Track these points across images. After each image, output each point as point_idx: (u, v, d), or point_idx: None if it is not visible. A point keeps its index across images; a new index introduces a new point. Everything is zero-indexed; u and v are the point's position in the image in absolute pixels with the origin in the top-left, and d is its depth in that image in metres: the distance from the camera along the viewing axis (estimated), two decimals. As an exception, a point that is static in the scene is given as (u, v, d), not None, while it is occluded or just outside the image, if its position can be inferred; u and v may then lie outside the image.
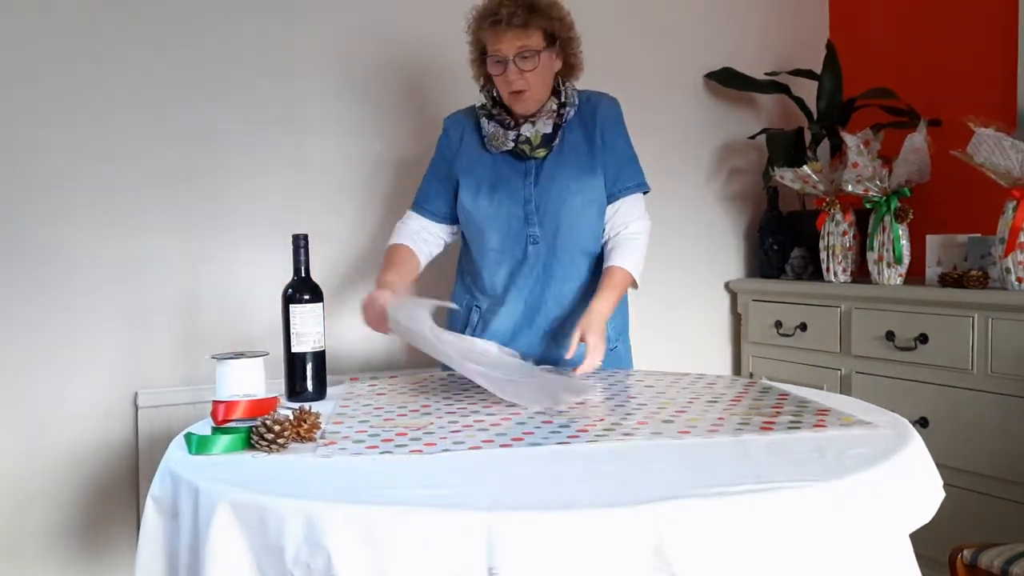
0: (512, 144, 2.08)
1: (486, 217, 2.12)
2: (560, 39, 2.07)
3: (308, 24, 2.62)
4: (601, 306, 2.00)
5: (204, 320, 2.51)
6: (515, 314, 2.14)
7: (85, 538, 2.41)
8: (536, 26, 2.01)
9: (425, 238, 2.19)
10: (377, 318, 1.88)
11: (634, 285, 2.14)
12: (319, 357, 1.79)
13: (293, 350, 1.78)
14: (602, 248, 2.16)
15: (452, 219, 2.20)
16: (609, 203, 2.14)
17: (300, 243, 1.81)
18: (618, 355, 2.23)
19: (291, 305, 1.77)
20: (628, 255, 2.11)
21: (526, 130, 2.08)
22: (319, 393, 1.79)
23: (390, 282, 2.01)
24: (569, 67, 2.14)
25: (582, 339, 1.93)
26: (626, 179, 2.15)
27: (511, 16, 1.98)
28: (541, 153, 2.09)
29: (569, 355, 1.94)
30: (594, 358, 1.90)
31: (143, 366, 2.45)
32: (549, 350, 2.13)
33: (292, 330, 1.77)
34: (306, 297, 1.78)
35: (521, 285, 2.13)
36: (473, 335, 2.16)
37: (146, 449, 2.41)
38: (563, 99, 2.11)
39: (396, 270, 2.09)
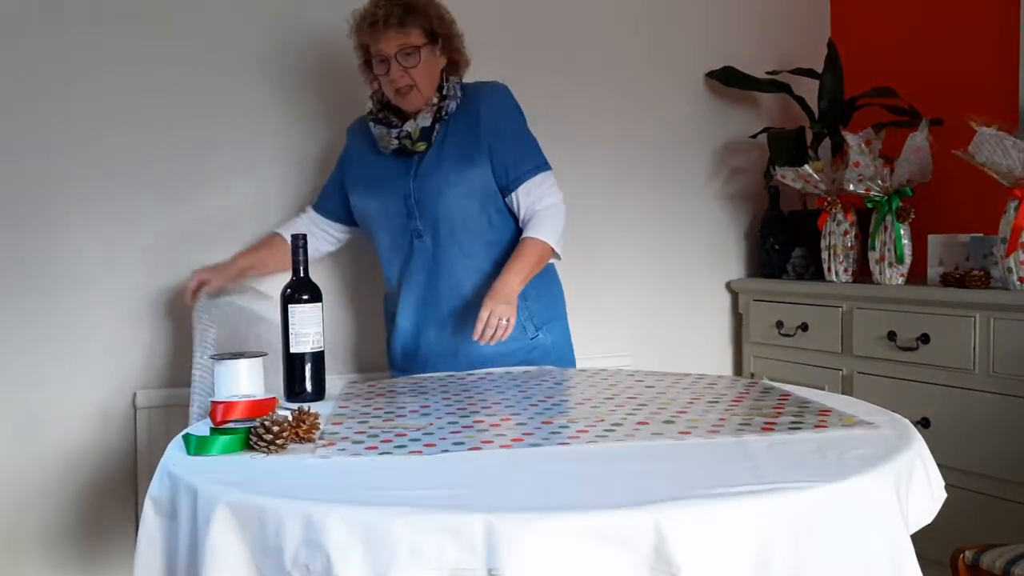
0: (396, 142, 2.13)
1: (373, 216, 2.21)
2: (441, 36, 2.12)
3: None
4: (505, 277, 2.03)
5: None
6: (413, 308, 2.19)
7: (84, 538, 2.40)
8: (414, 24, 2.07)
9: (313, 231, 2.31)
10: (189, 289, 2.19)
11: (556, 256, 2.17)
12: (318, 357, 1.79)
13: (292, 350, 1.77)
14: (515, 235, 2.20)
15: (345, 220, 2.33)
16: (512, 191, 2.16)
17: (299, 243, 1.81)
18: (542, 346, 2.19)
19: (290, 305, 1.77)
20: (539, 226, 2.13)
21: (408, 125, 2.13)
22: (318, 393, 1.79)
23: (231, 261, 2.30)
24: (453, 63, 2.18)
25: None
26: (523, 163, 2.16)
27: (388, 16, 2.05)
28: (422, 147, 2.13)
29: (474, 335, 1.96)
30: (480, 324, 1.94)
31: (142, 366, 2.45)
32: (453, 342, 2.15)
33: (291, 330, 1.77)
34: (305, 297, 1.78)
35: (413, 280, 2.18)
36: (392, 331, 2.25)
37: (145, 450, 2.41)
38: (444, 92, 2.15)
39: (249, 254, 2.34)
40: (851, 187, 2.70)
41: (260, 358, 1.63)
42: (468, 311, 2.12)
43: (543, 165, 2.19)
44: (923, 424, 2.50)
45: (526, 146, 2.20)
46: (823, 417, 1.49)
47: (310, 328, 1.77)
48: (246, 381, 1.59)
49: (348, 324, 2.68)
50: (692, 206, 3.18)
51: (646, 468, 1.23)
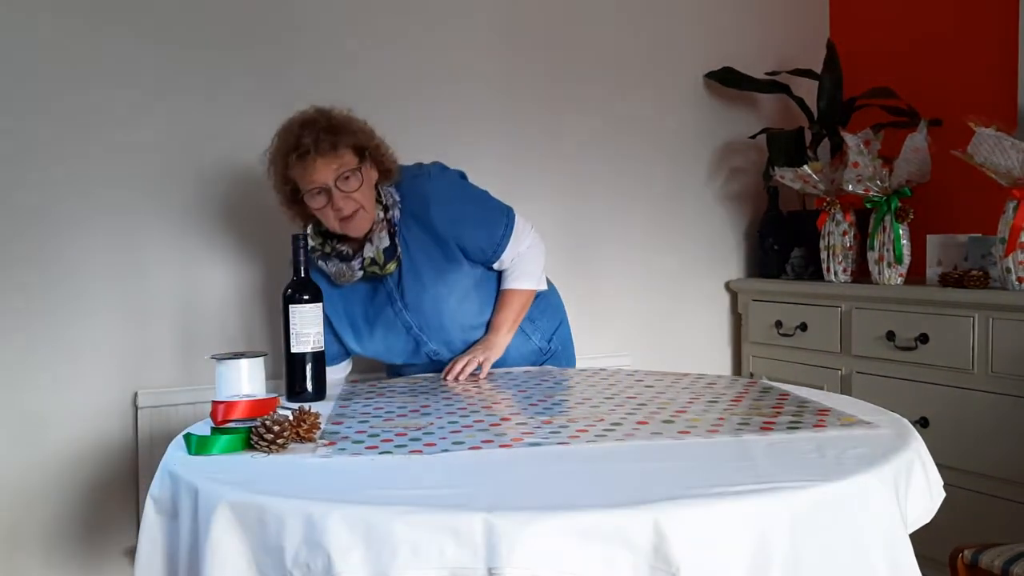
0: (361, 272, 1.99)
1: (382, 353, 2.15)
2: (368, 149, 1.96)
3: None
4: (494, 337, 2.08)
5: (204, 320, 2.51)
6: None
7: (85, 538, 2.40)
8: (344, 145, 1.90)
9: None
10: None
11: (538, 291, 2.18)
12: (319, 357, 1.79)
13: (293, 350, 1.77)
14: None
15: (345, 354, 2.18)
16: (494, 262, 2.11)
17: (300, 243, 1.81)
18: (555, 355, 2.25)
19: (291, 305, 1.77)
20: (518, 275, 2.13)
21: (368, 251, 1.98)
22: (319, 393, 1.79)
23: None
24: (385, 173, 2.01)
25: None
26: (494, 236, 2.08)
27: (317, 143, 1.87)
28: (391, 268, 2.00)
29: (444, 373, 2.02)
30: (462, 361, 2.01)
31: (143, 366, 2.45)
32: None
33: (292, 330, 1.77)
34: (305, 297, 1.78)
35: (424, 373, 2.18)
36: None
37: (146, 449, 2.41)
38: (385, 203, 2.00)
39: None
40: (850, 187, 2.71)
41: (261, 358, 1.63)
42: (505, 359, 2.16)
43: (508, 222, 2.11)
44: (922, 424, 2.50)
45: (488, 218, 2.10)
46: (822, 417, 1.50)
47: (311, 328, 1.78)
48: (247, 381, 1.59)
49: None
50: (691, 206, 3.18)
51: (646, 467, 1.23)
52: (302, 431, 1.39)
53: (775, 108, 3.30)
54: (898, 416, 1.50)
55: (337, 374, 2.17)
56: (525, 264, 2.13)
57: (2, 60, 2.29)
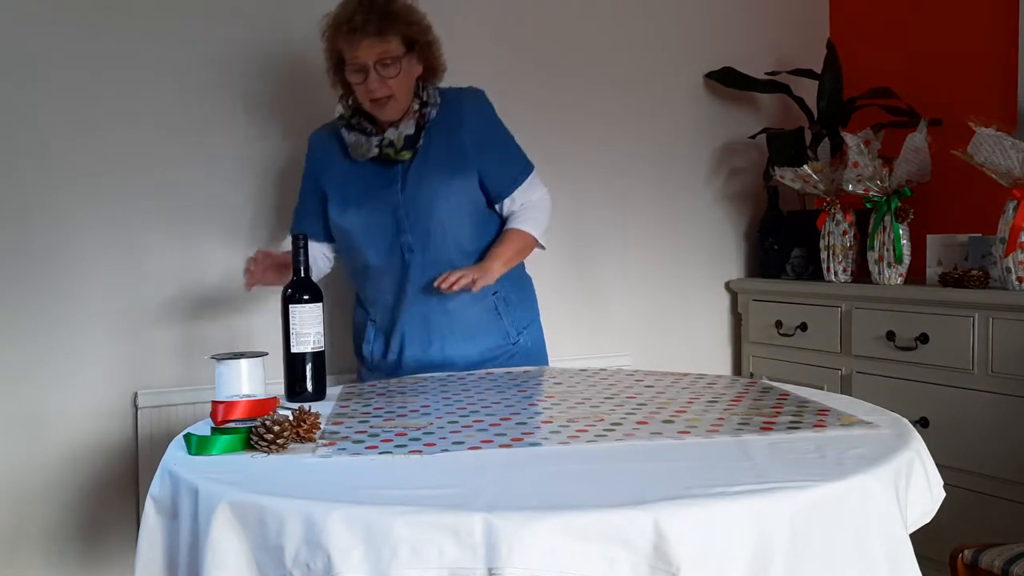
0: (376, 150, 2.05)
1: (359, 231, 2.10)
2: (419, 44, 2.03)
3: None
4: (488, 262, 2.05)
5: (204, 320, 2.51)
6: (409, 323, 2.12)
7: (85, 538, 2.41)
8: (393, 32, 1.98)
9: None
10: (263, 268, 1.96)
11: (540, 246, 2.18)
12: (319, 357, 1.79)
13: (293, 350, 1.77)
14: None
15: (330, 237, 2.19)
16: (503, 198, 2.15)
17: (300, 243, 1.81)
18: (524, 350, 2.22)
19: (291, 305, 1.77)
20: (524, 219, 2.15)
21: (390, 133, 2.05)
22: (318, 393, 1.79)
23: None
24: (431, 71, 2.09)
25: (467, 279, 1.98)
26: (512, 171, 2.15)
27: (366, 24, 1.95)
28: (406, 155, 2.06)
29: (436, 282, 1.99)
30: (456, 274, 1.97)
31: (143, 366, 2.45)
32: (442, 351, 2.13)
33: (292, 330, 1.77)
34: (305, 297, 1.78)
35: (410, 294, 2.11)
36: (371, 352, 2.20)
37: (146, 449, 2.41)
38: (424, 99, 2.07)
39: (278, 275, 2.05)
40: (850, 187, 2.71)
41: (260, 358, 1.63)
42: (456, 321, 2.12)
43: (528, 166, 2.19)
44: (922, 424, 2.50)
45: (511, 152, 2.17)
46: (822, 417, 1.50)
47: (311, 328, 1.78)
48: (247, 381, 1.59)
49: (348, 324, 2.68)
50: (692, 206, 3.18)
51: (645, 467, 1.23)
52: (302, 431, 1.39)
53: (775, 108, 3.30)
54: (898, 416, 1.50)
55: (323, 251, 2.20)
56: (534, 211, 2.17)
57: (3, 59, 2.29)
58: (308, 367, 1.78)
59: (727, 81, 3.15)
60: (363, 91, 2.01)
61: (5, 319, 2.31)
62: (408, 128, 2.05)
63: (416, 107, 2.06)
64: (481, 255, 2.13)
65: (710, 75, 3.17)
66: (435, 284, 1.99)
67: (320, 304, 1.79)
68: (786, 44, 3.30)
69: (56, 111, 2.35)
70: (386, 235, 2.09)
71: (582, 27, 3.00)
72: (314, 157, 2.20)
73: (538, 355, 2.26)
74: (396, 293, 2.13)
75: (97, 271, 2.40)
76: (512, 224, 2.15)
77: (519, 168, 2.17)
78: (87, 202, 2.39)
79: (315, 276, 2.09)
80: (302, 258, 1.80)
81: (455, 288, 1.97)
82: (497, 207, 2.18)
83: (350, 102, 2.09)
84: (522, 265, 2.26)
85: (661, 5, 3.11)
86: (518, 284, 2.25)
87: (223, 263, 2.54)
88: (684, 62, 3.15)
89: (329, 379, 1.86)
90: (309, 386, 1.78)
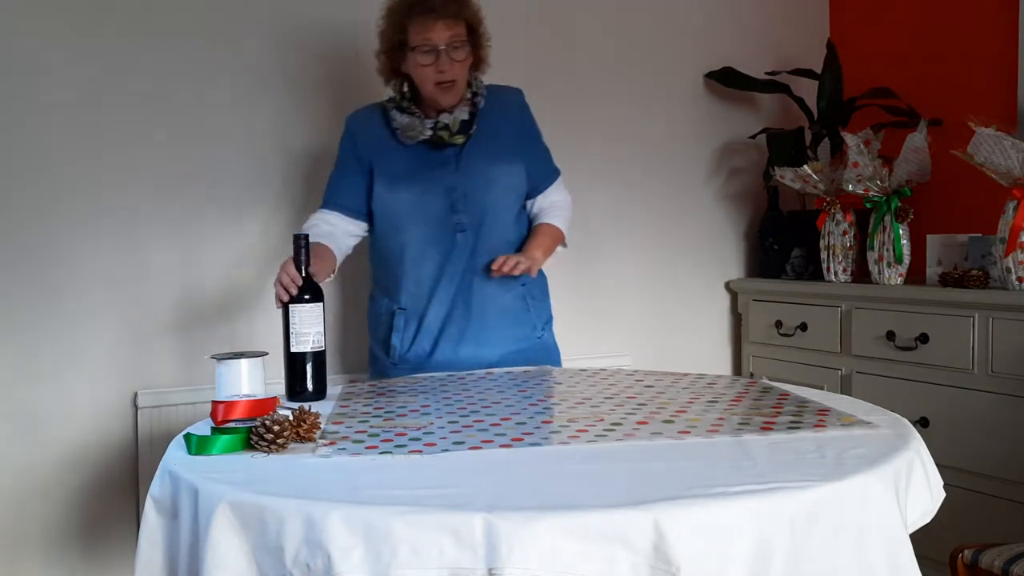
0: (430, 132, 2.07)
1: (408, 208, 2.09)
2: (476, 32, 2.08)
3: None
4: (531, 249, 2.11)
5: (204, 320, 2.51)
6: (445, 306, 2.12)
7: (85, 538, 2.41)
8: (463, 16, 2.03)
9: (338, 237, 2.12)
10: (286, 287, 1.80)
11: (563, 243, 2.24)
12: (319, 357, 1.79)
13: (293, 350, 1.77)
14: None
15: (365, 215, 2.15)
16: (535, 195, 2.20)
17: (300, 243, 1.81)
18: (547, 345, 2.25)
19: (291, 305, 1.77)
20: (553, 215, 2.21)
21: (444, 117, 2.07)
22: (319, 393, 1.79)
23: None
24: (479, 60, 2.13)
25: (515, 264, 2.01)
26: (546, 172, 2.23)
27: (444, 6, 1.98)
28: (460, 139, 2.08)
29: (494, 266, 2.02)
30: (512, 260, 2.00)
31: (143, 366, 2.45)
32: (477, 342, 2.13)
33: (292, 330, 1.77)
34: (306, 297, 1.78)
35: (450, 276, 2.11)
36: (402, 340, 2.17)
37: (146, 449, 2.41)
38: (475, 89, 2.11)
39: (315, 262, 1.93)
40: (850, 187, 2.71)
41: (260, 358, 1.63)
42: (490, 306, 2.14)
43: (557, 169, 2.27)
44: (922, 424, 2.50)
45: (546, 153, 2.25)
46: (822, 417, 1.50)
47: (311, 328, 1.77)
48: (247, 381, 1.59)
49: (349, 324, 2.68)
50: (692, 206, 3.18)
51: (645, 468, 1.23)
52: (302, 431, 1.39)
53: (775, 108, 3.30)
54: (898, 416, 1.50)
55: (352, 231, 2.15)
56: (561, 210, 2.24)
57: (4, 58, 2.29)
58: (308, 366, 1.78)
59: (727, 81, 3.15)
60: (431, 73, 2.01)
61: (5, 319, 2.31)
62: (463, 114, 2.08)
63: (468, 95, 2.10)
64: (518, 247, 2.17)
65: (710, 75, 3.17)
66: (493, 268, 2.02)
67: (321, 304, 1.79)
68: (786, 44, 3.30)
69: (56, 110, 2.35)
70: (438, 214, 2.10)
71: (582, 27, 2.99)
72: (357, 136, 2.16)
73: (557, 353, 2.29)
74: (436, 275, 2.12)
75: (97, 271, 2.40)
76: (542, 219, 2.21)
77: (551, 168, 2.25)
78: (87, 202, 2.39)
79: (338, 256, 2.11)
80: (303, 257, 1.80)
81: (514, 272, 2.02)
82: (528, 203, 2.23)
83: (405, 88, 2.11)
84: None
85: (661, 5, 3.11)
86: (540, 280, 2.28)
87: (224, 263, 2.54)
88: (684, 62, 3.15)
89: (331, 379, 1.86)
90: (309, 386, 1.78)
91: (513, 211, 2.17)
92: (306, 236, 1.82)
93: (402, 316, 2.16)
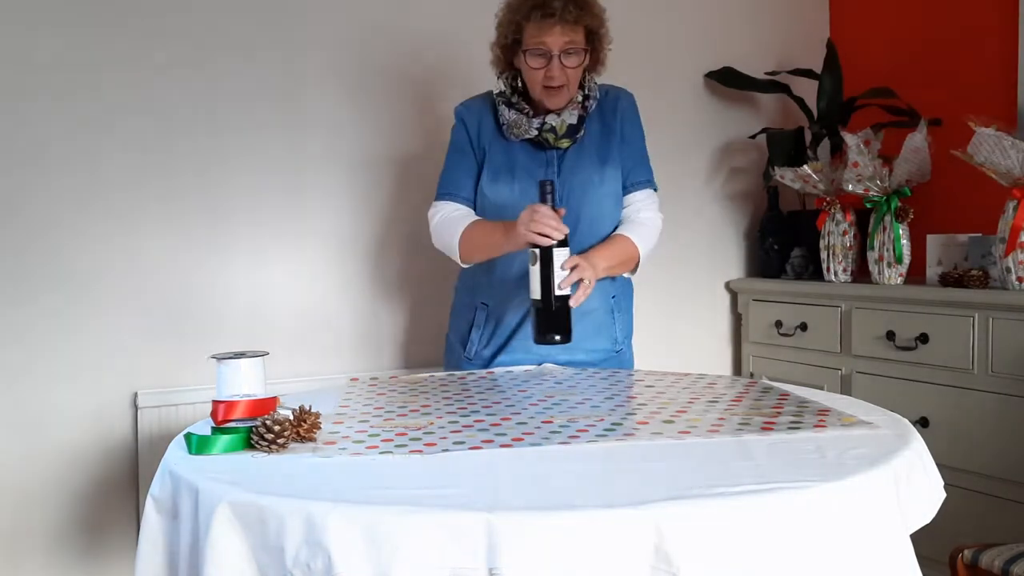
0: (536, 132, 2.03)
1: (505, 203, 2.04)
2: (597, 36, 2.03)
3: (309, 23, 2.62)
4: (594, 257, 1.94)
5: (204, 320, 2.51)
6: (526, 307, 2.05)
7: (85, 538, 2.41)
8: (583, 23, 1.97)
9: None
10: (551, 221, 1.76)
11: (633, 270, 2.11)
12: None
13: (558, 293, 1.78)
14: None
15: (472, 199, 2.10)
16: (625, 194, 2.12)
17: (547, 188, 1.81)
18: (623, 358, 2.21)
19: (555, 249, 1.78)
20: (635, 231, 2.08)
21: (551, 119, 2.02)
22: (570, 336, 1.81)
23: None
24: (597, 62, 2.09)
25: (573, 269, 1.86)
26: (640, 173, 2.14)
27: (564, 11, 1.93)
28: (565, 143, 2.04)
29: (575, 303, 1.85)
30: (585, 292, 1.85)
31: (143, 366, 2.45)
32: (567, 349, 2.04)
33: (555, 273, 1.77)
34: (561, 240, 1.79)
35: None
36: (480, 335, 2.13)
37: (146, 449, 2.41)
38: (587, 91, 2.07)
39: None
40: (850, 187, 2.71)
41: (261, 358, 1.63)
42: (576, 312, 1.95)
43: (653, 182, 2.17)
44: (922, 424, 2.50)
45: (646, 159, 2.17)
46: (822, 417, 1.50)
47: (565, 271, 1.79)
48: (247, 381, 1.59)
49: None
50: (692, 206, 3.18)
51: (646, 468, 1.23)
52: (302, 431, 1.39)
53: (775, 108, 3.30)
54: (898, 416, 1.50)
55: (466, 216, 2.06)
56: (645, 229, 2.10)
57: (4, 57, 2.29)
58: (570, 310, 1.80)
59: (727, 81, 3.15)
60: (540, 76, 1.98)
61: (5, 319, 2.31)
62: (571, 117, 2.03)
63: (579, 98, 2.06)
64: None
65: (710, 75, 3.17)
66: (575, 303, 1.84)
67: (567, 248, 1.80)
68: (786, 44, 3.30)
69: (60, 111, 2.35)
70: None
71: (582, 27, 2.99)
72: (471, 125, 2.11)
73: (631, 362, 2.25)
74: (523, 276, 2.04)
75: (97, 271, 2.40)
76: (623, 230, 2.09)
77: (647, 176, 2.15)
78: (88, 202, 2.39)
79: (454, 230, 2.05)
80: (552, 202, 1.81)
81: (581, 300, 1.86)
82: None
83: (518, 83, 2.06)
84: None
85: (661, 5, 3.11)
86: (628, 292, 2.22)
87: (224, 262, 2.54)
88: (684, 62, 3.15)
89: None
90: (571, 328, 1.81)
91: (609, 216, 2.10)
92: (552, 182, 1.83)
93: (484, 312, 2.13)
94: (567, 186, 2.05)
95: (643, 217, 2.11)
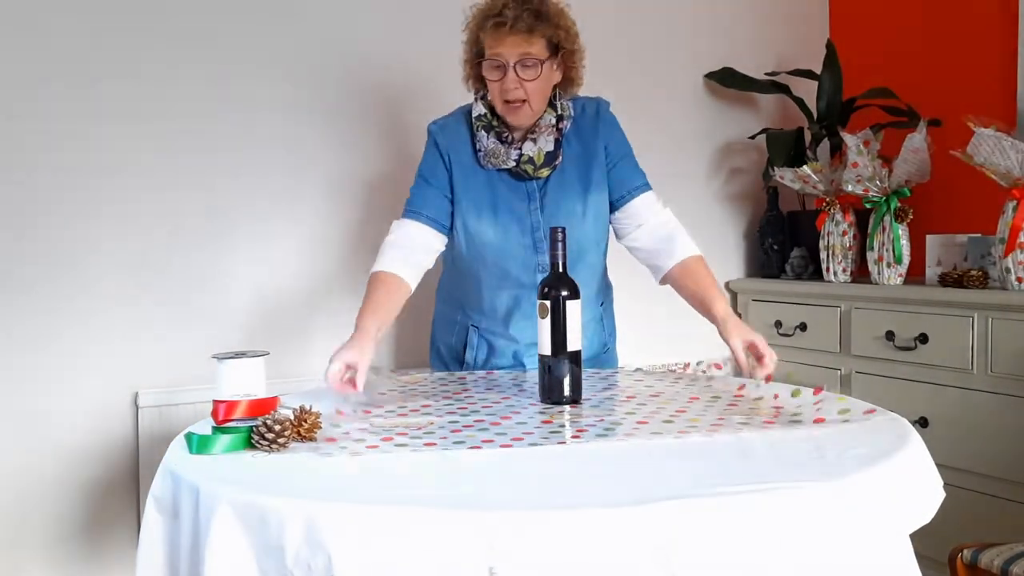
0: (514, 163, 1.95)
1: (491, 244, 1.99)
2: (563, 50, 1.93)
3: (300, 36, 2.62)
4: (727, 307, 1.93)
5: (205, 320, 2.51)
6: (522, 338, 2.06)
7: (85, 538, 2.41)
8: (541, 33, 1.87)
9: (419, 256, 1.97)
10: (336, 376, 1.68)
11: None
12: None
13: (571, 348, 1.63)
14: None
15: (448, 229, 2.02)
16: (628, 201, 2.05)
17: (558, 237, 1.69)
18: (610, 356, 2.22)
19: (568, 301, 1.64)
20: (686, 243, 2.05)
21: (528, 148, 1.95)
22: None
23: (366, 330, 1.77)
24: (568, 80, 2.00)
25: (750, 348, 1.81)
26: (636, 179, 2.07)
27: (516, 20, 1.84)
28: (544, 172, 1.96)
29: (745, 371, 1.83)
30: (771, 365, 1.80)
31: (143, 366, 2.45)
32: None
33: (569, 327, 1.63)
34: (567, 294, 1.65)
35: (527, 311, 2.02)
36: (475, 357, 2.10)
37: (146, 449, 2.41)
38: (559, 112, 1.98)
39: (376, 311, 1.83)
40: (849, 187, 2.71)
41: (262, 358, 1.63)
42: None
43: (648, 183, 2.10)
44: (921, 424, 2.51)
45: (636, 163, 2.10)
46: (818, 403, 1.50)
47: (576, 325, 1.65)
48: (248, 380, 1.59)
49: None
50: (691, 206, 3.18)
51: (646, 467, 1.23)
52: (303, 431, 1.39)
53: (775, 108, 3.30)
54: (898, 416, 1.50)
55: (433, 246, 1.99)
56: (681, 237, 2.05)
57: (5, 56, 2.29)
58: (581, 367, 1.67)
59: (727, 81, 3.15)
60: (497, 89, 1.90)
61: (5, 319, 2.31)
62: (547, 144, 1.95)
63: (553, 120, 1.97)
64: (594, 276, 2.09)
65: (710, 75, 3.17)
66: (767, 380, 1.80)
67: (578, 301, 1.68)
68: (786, 44, 3.30)
69: (60, 107, 2.35)
70: (523, 252, 1.99)
71: (582, 27, 2.99)
72: (444, 148, 2.02)
73: (616, 364, 2.24)
74: (511, 307, 2.04)
75: (98, 271, 2.40)
76: (684, 253, 2.05)
77: (642, 181, 2.08)
78: (89, 202, 2.38)
79: (415, 281, 1.95)
80: (561, 253, 1.69)
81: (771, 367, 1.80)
82: (620, 215, 2.07)
83: (488, 103, 1.99)
84: (606, 268, 2.19)
85: (661, 5, 3.11)
86: (610, 294, 2.22)
87: (224, 262, 2.54)
88: (684, 62, 3.15)
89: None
90: (582, 386, 1.68)
91: (599, 241, 2.06)
92: (563, 230, 1.70)
93: (476, 333, 2.11)
94: (552, 220, 1.97)
95: (670, 228, 2.06)
